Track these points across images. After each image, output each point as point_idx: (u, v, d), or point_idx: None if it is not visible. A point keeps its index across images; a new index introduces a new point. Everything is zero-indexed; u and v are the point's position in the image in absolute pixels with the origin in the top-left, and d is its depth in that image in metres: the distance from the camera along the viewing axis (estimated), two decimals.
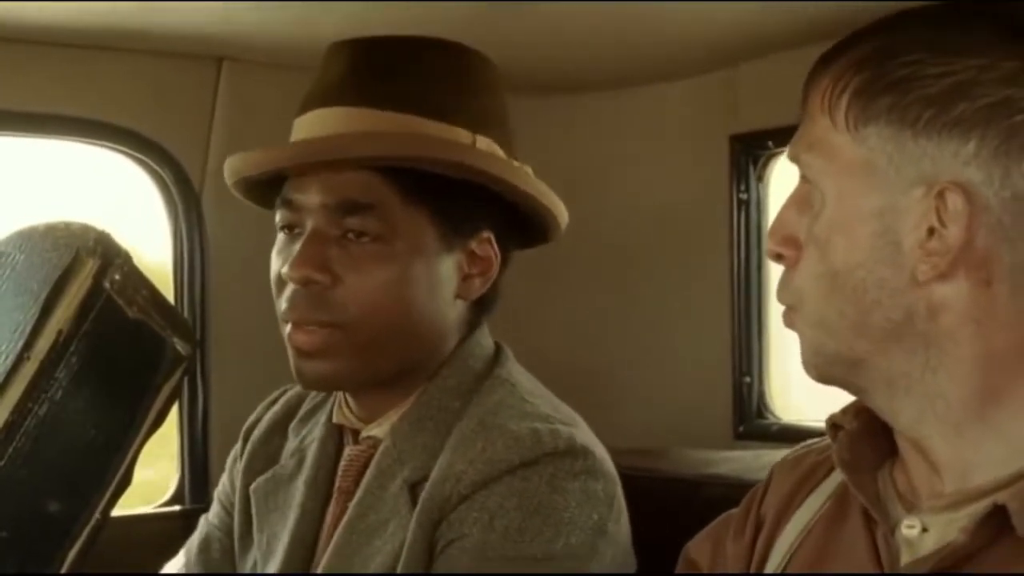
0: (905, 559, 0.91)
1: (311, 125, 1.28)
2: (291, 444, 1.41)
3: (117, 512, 1.16)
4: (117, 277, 1.13)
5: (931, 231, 0.87)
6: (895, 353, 0.90)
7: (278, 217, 1.29)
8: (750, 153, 1.97)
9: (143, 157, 1.89)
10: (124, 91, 1.85)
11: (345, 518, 1.28)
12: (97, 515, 1.12)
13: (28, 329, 1.10)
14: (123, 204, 2.02)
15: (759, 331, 1.99)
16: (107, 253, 1.14)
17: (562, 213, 1.35)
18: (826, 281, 0.91)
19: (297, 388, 1.45)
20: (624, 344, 2.14)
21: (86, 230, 1.15)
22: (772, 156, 1.97)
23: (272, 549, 1.34)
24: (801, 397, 2.02)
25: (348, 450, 1.33)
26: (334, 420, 1.36)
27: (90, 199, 2.05)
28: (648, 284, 2.12)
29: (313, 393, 1.43)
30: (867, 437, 0.97)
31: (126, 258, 1.15)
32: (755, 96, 1.92)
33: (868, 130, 0.89)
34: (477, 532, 1.18)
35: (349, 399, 1.34)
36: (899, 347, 0.90)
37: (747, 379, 1.99)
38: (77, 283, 1.12)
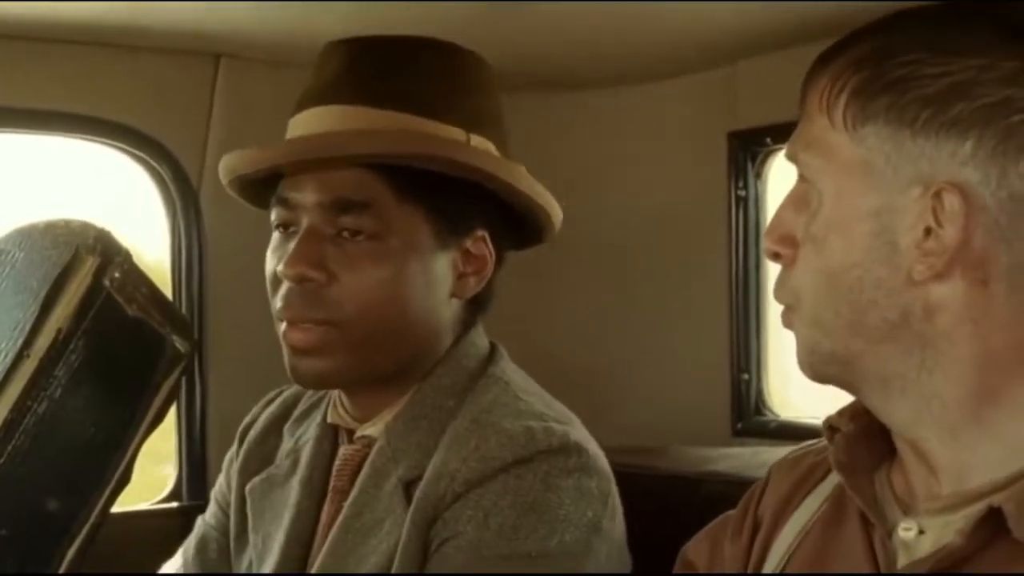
0: (902, 561, 0.90)
1: (306, 123, 1.28)
2: (286, 444, 1.41)
3: (115, 508, 1.16)
4: (117, 275, 1.14)
5: (928, 231, 0.86)
6: (891, 353, 0.90)
7: (273, 215, 1.29)
8: (748, 150, 1.97)
9: (141, 154, 1.89)
10: (122, 88, 1.85)
11: (340, 517, 1.28)
12: (96, 513, 1.12)
13: (28, 327, 1.10)
14: (123, 202, 2.01)
15: (757, 329, 1.99)
16: (107, 251, 1.14)
17: (556, 212, 1.35)
18: (822, 280, 0.91)
19: (293, 389, 1.45)
20: (623, 342, 2.14)
21: (86, 228, 1.15)
22: (770, 153, 1.96)
23: (268, 549, 1.34)
24: (799, 394, 2.02)
25: (343, 449, 1.33)
26: (329, 420, 1.36)
27: (90, 197, 2.05)
28: (647, 283, 2.12)
29: (309, 393, 1.43)
30: (864, 439, 0.97)
31: (126, 256, 1.16)
32: (754, 94, 1.92)
33: (866, 130, 0.88)
34: (472, 530, 1.18)
35: (343, 399, 1.34)
36: (895, 347, 0.89)
37: (745, 376, 1.99)
38: (77, 281, 1.12)
